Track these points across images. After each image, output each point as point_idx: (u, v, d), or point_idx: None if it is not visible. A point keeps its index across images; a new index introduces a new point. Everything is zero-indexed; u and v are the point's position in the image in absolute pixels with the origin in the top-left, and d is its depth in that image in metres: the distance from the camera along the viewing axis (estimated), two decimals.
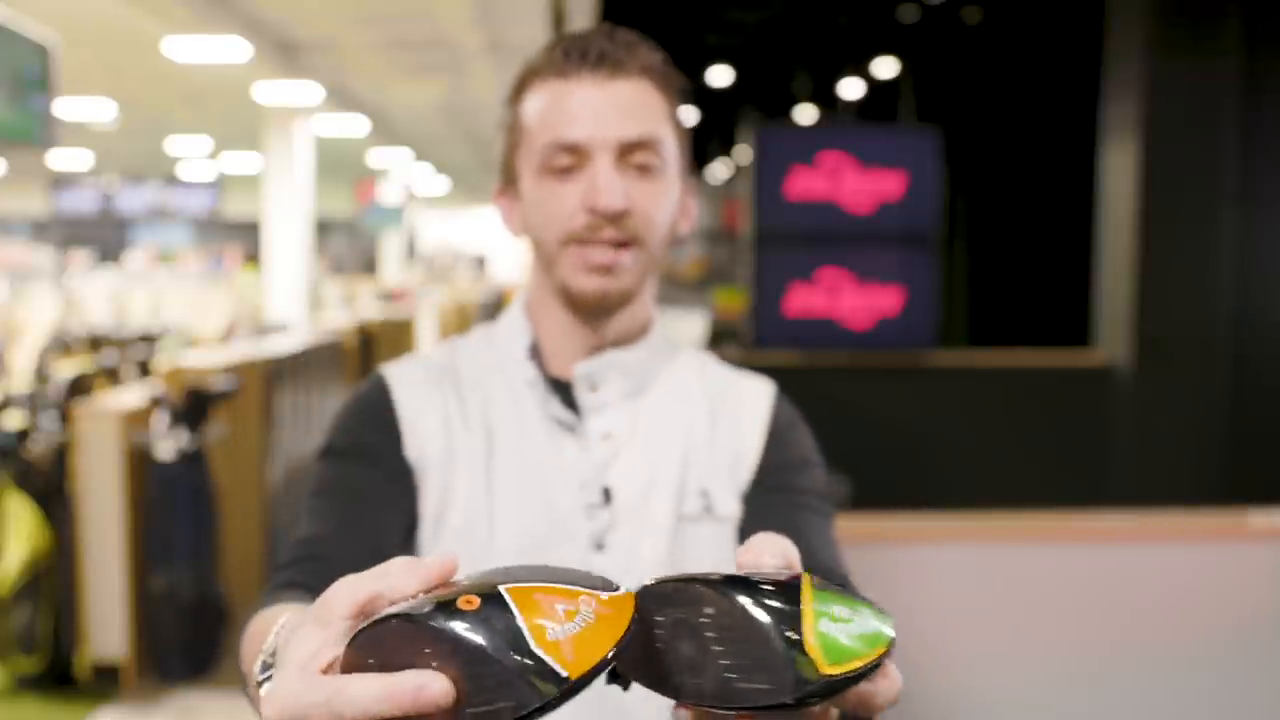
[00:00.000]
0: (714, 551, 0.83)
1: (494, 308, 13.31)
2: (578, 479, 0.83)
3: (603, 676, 0.42)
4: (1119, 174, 4.17)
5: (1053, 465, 4.25)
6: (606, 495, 0.83)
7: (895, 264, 4.25)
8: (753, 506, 0.85)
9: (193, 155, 14.32)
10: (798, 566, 0.47)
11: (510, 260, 22.32)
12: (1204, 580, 1.92)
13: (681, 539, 0.83)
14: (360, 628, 0.41)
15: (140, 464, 3.18)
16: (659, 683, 0.44)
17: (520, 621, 0.39)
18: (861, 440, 4.24)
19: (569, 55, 0.82)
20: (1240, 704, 1.90)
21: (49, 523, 3.11)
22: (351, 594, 0.42)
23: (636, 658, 0.44)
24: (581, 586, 0.42)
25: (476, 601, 0.39)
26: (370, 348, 5.71)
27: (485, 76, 8.14)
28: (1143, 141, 4.02)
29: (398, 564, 0.43)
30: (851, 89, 7.37)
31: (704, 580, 0.44)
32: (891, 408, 4.28)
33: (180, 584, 3.14)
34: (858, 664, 0.42)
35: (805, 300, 4.24)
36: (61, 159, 13.33)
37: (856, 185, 4.20)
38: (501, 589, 0.40)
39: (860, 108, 7.63)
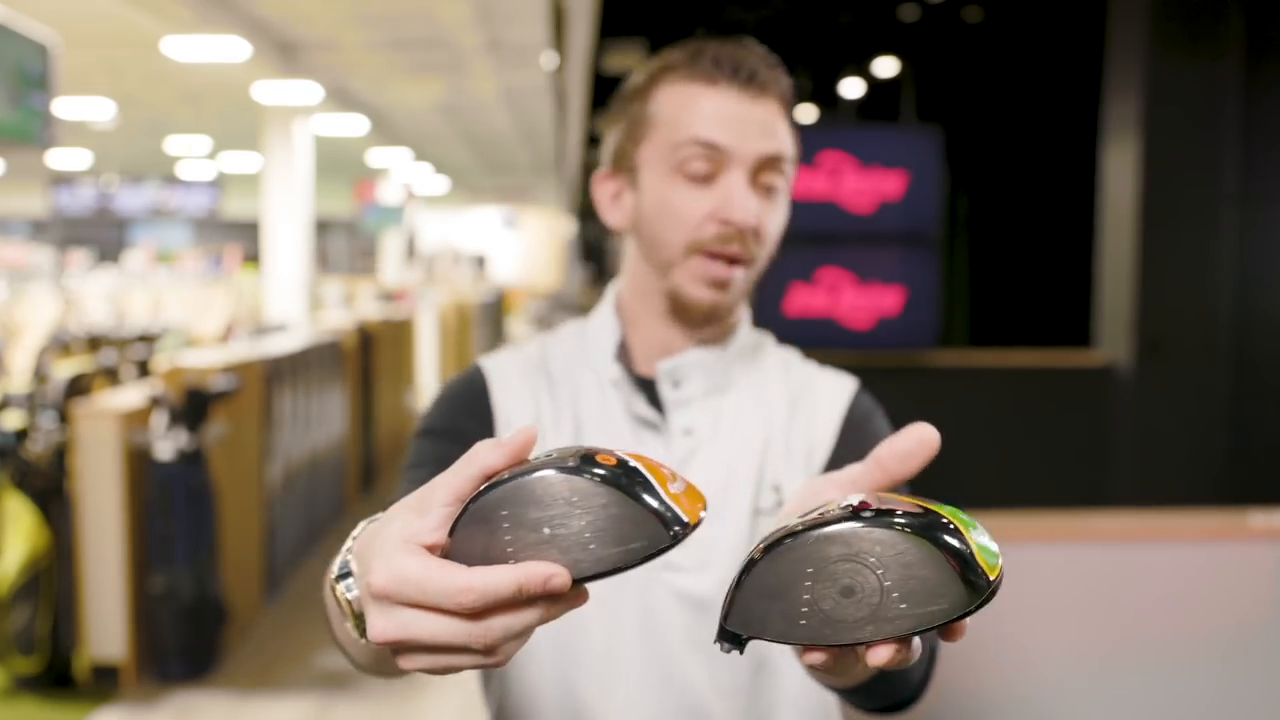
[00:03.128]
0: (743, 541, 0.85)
1: (495, 307, 13.30)
2: (677, 458, 0.84)
3: (716, 641, 0.46)
4: (1120, 173, 4.17)
5: (1053, 465, 4.25)
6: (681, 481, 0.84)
7: (896, 264, 4.25)
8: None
9: (192, 155, 14.32)
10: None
11: (510, 260, 22.32)
12: (1205, 580, 1.92)
13: (756, 532, 0.84)
14: (484, 489, 0.44)
15: (139, 464, 3.17)
16: (804, 635, 0.44)
17: (651, 477, 0.44)
18: None
19: (719, 65, 0.83)
20: (1241, 704, 1.90)
21: (48, 523, 3.11)
22: (450, 483, 0.44)
23: (767, 618, 0.44)
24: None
25: (614, 460, 0.44)
26: (370, 347, 5.71)
27: (485, 76, 8.13)
28: (1143, 141, 4.01)
29: (483, 446, 0.45)
30: (852, 88, 7.36)
31: (850, 516, 0.44)
32: (892, 408, 4.27)
33: (179, 584, 3.14)
34: (999, 569, 0.44)
35: (805, 300, 4.23)
36: (61, 158, 13.33)
37: (857, 185, 4.20)
38: (622, 453, 0.45)
39: (861, 107, 7.62)
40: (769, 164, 0.83)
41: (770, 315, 4.20)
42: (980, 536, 0.45)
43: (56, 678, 3.12)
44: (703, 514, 0.44)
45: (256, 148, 9.58)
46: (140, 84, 8.64)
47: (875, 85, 7.34)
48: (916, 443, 0.53)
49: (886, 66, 7.05)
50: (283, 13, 6.41)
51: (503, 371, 0.88)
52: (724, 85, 0.82)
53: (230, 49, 6.15)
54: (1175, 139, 4.02)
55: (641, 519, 0.42)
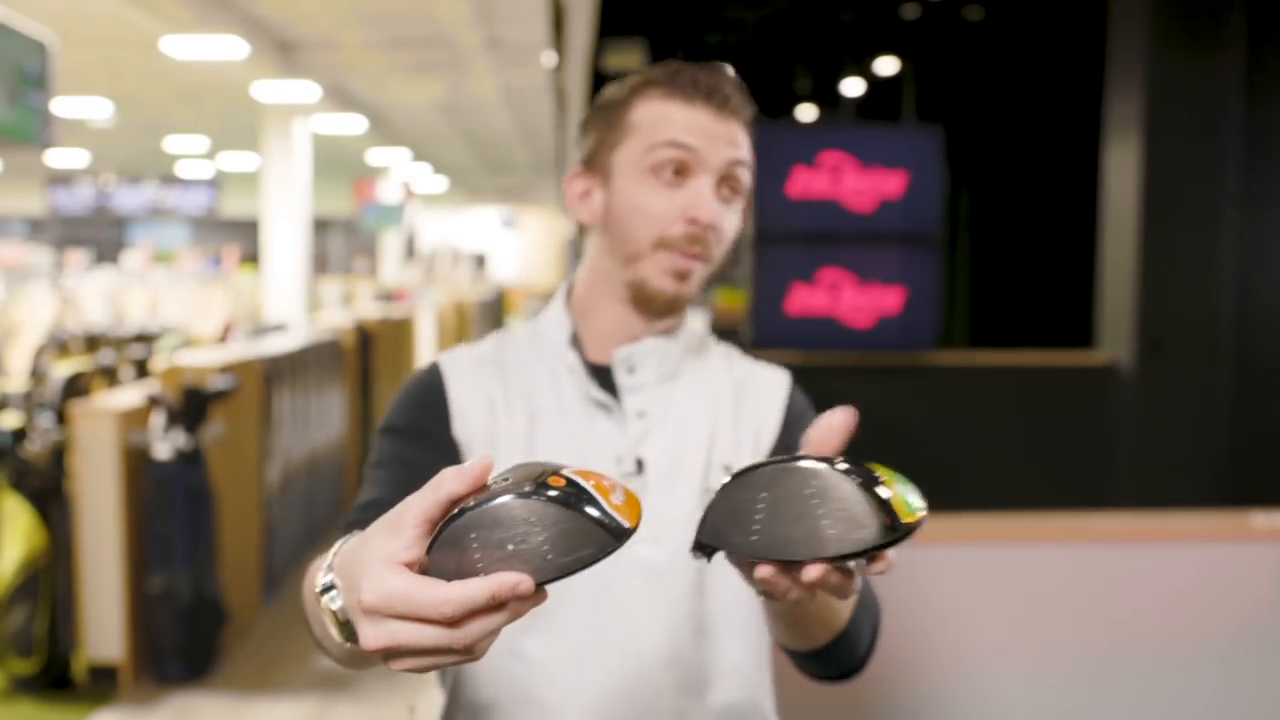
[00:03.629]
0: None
1: (494, 306, 13.28)
2: (613, 452, 0.91)
3: (691, 551, 0.59)
4: (1121, 173, 4.15)
5: (1055, 464, 4.24)
6: (640, 465, 0.91)
7: (896, 264, 4.24)
8: None
9: (190, 154, 14.30)
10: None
11: (509, 260, 22.31)
12: (1208, 581, 1.91)
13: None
14: (454, 515, 0.51)
15: (137, 464, 3.16)
16: (751, 549, 0.57)
17: (592, 490, 0.51)
18: (863, 439, 4.22)
19: (697, 86, 0.91)
20: (1243, 704, 1.89)
21: (45, 523, 3.10)
22: (419, 506, 0.52)
23: (726, 532, 0.58)
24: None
25: (563, 480, 0.51)
26: (369, 347, 5.69)
27: (484, 75, 8.12)
28: (1145, 140, 4.00)
29: (447, 474, 0.52)
30: (852, 87, 7.35)
31: (797, 458, 0.57)
32: (893, 407, 4.26)
33: (178, 585, 3.13)
34: (917, 519, 0.55)
35: (806, 299, 4.22)
36: (59, 158, 13.31)
37: (858, 184, 4.19)
38: (568, 472, 0.52)
39: (861, 106, 7.61)
40: (732, 174, 0.92)
41: (772, 314, 4.19)
42: (906, 490, 0.56)
43: (54, 679, 3.11)
44: (640, 520, 0.52)
45: (255, 147, 9.57)
46: (138, 83, 8.62)
47: (876, 84, 7.33)
48: (840, 423, 0.67)
49: (887, 65, 7.04)
50: (282, 12, 6.40)
51: (457, 366, 0.94)
52: (699, 104, 0.91)
53: (229, 48, 6.14)
54: (1177, 139, 4.01)
55: (590, 530, 0.50)
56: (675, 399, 0.94)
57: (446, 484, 0.51)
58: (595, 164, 0.94)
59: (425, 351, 9.24)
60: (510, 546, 0.50)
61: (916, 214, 4.22)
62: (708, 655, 0.89)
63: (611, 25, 6.16)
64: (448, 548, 0.50)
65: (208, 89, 8.93)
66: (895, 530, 0.54)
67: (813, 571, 0.56)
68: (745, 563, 0.60)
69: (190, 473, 3.16)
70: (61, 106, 6.79)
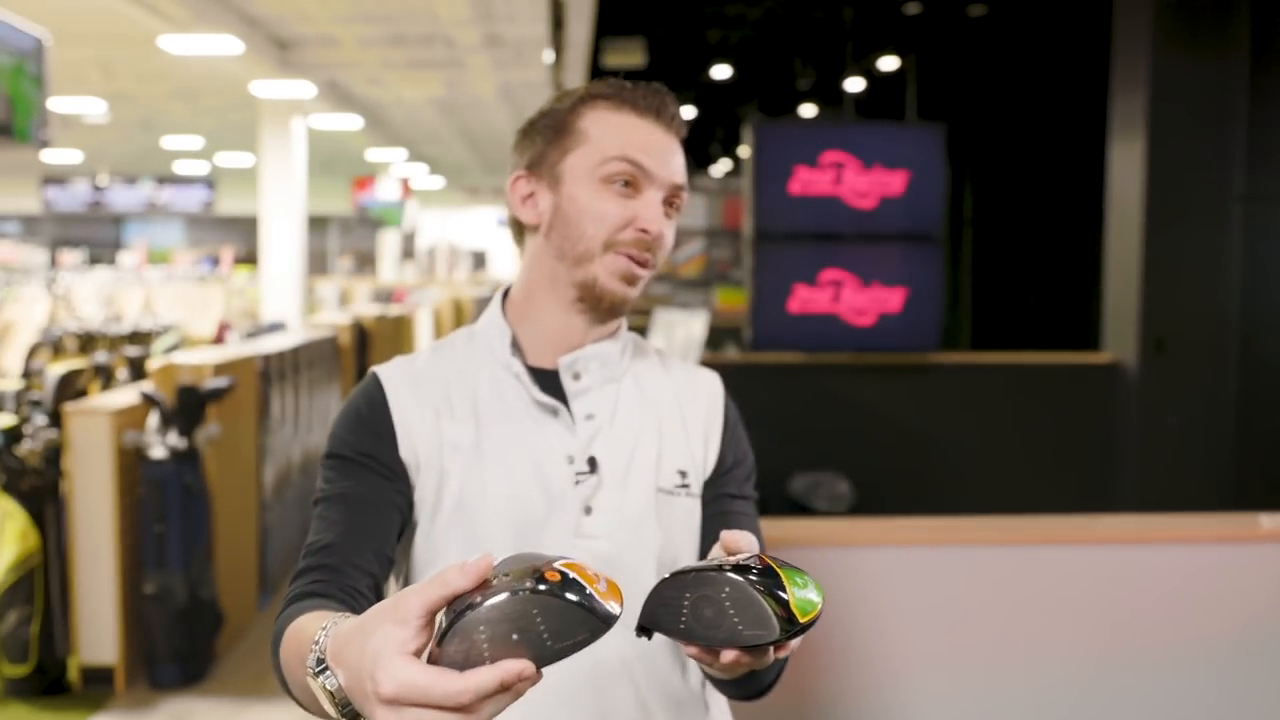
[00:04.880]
0: (686, 521, 0.98)
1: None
2: (564, 454, 0.94)
3: (633, 629, 0.71)
4: (1126, 171, 4.13)
5: (1058, 464, 4.21)
6: (592, 464, 0.95)
7: (899, 263, 4.21)
8: (712, 494, 1.01)
9: (187, 152, 14.25)
10: (755, 549, 0.72)
11: (509, 258, 22.26)
12: (1215, 582, 1.89)
13: (660, 508, 0.96)
14: (461, 610, 0.56)
15: (133, 464, 3.13)
16: (681, 635, 0.69)
17: (583, 581, 0.58)
18: (864, 439, 4.19)
19: (647, 102, 0.97)
20: (1250, 706, 1.87)
21: (39, 524, 3.06)
22: (422, 599, 0.57)
23: (661, 619, 0.70)
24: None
25: (557, 575, 0.58)
26: (366, 345, 5.66)
27: (484, 73, 8.08)
28: (1149, 139, 3.98)
29: (452, 571, 0.57)
30: (855, 84, 7.32)
31: (717, 568, 0.68)
32: (894, 407, 4.23)
33: (173, 587, 3.09)
34: (813, 615, 0.68)
35: (809, 298, 4.19)
36: (54, 156, 13.26)
37: (859, 183, 4.16)
38: (560, 565, 0.58)
39: (864, 103, 7.59)
40: (676, 195, 0.97)
41: (774, 313, 4.16)
42: (804, 591, 0.68)
43: (49, 683, 3.07)
44: (624, 602, 0.60)
45: (252, 145, 9.54)
46: (135, 81, 8.58)
47: (878, 81, 7.31)
48: (749, 544, 0.73)
49: (889, 62, 7.01)
50: (279, 9, 6.36)
51: (396, 381, 0.96)
52: (650, 119, 0.96)
53: (225, 46, 6.10)
54: (1181, 137, 3.98)
55: (584, 618, 0.57)
56: (621, 401, 0.98)
57: (452, 580, 0.57)
58: (542, 168, 0.97)
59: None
60: (515, 636, 0.56)
61: (919, 213, 4.19)
62: (658, 645, 0.94)
63: (611, 23, 6.13)
64: (458, 640, 0.56)
65: (204, 87, 8.89)
66: (793, 627, 0.67)
67: (728, 655, 0.69)
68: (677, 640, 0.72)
69: (186, 473, 3.13)
70: (56, 104, 6.75)
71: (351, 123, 9.45)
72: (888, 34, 6.80)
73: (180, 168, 15.39)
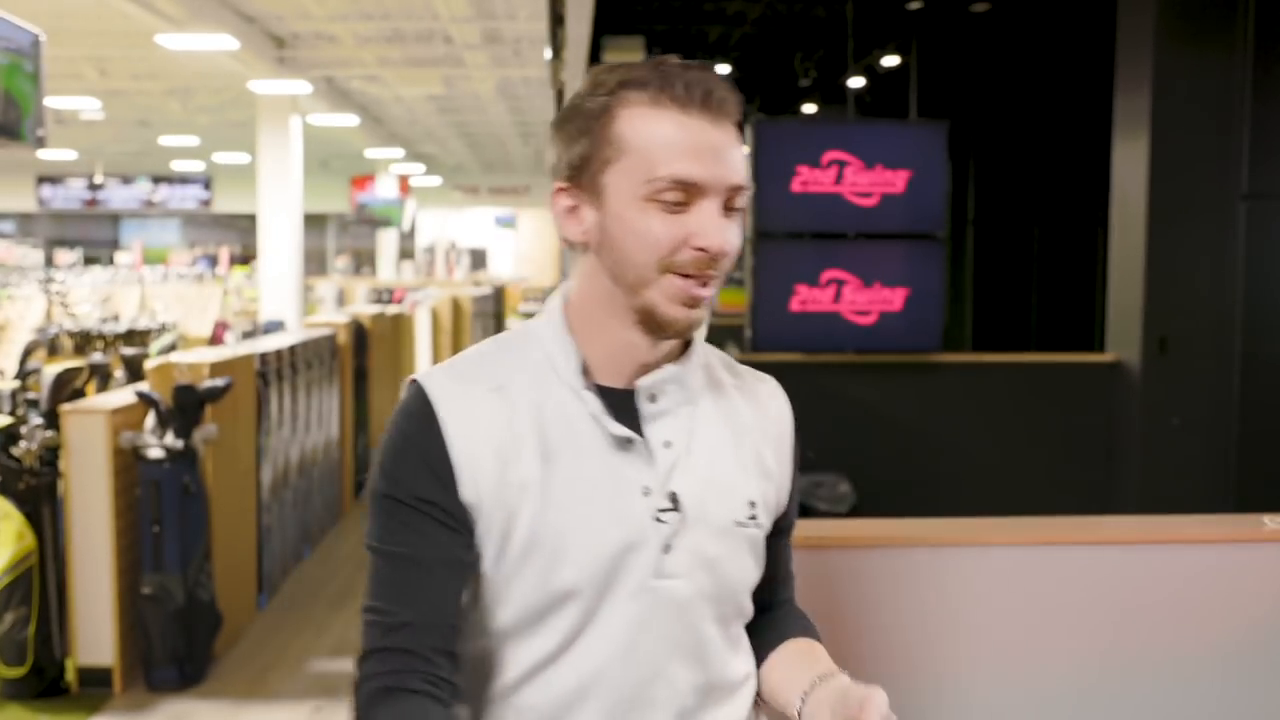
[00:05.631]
0: (753, 554, 0.92)
1: (493, 302, 13.23)
2: (641, 486, 0.87)
3: None
4: (1129, 169, 4.11)
5: (1061, 464, 4.20)
6: (674, 500, 0.87)
7: (901, 262, 4.19)
8: (773, 527, 0.95)
9: (183, 151, 14.21)
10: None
11: (508, 258, 22.24)
12: (1218, 584, 1.88)
13: (733, 542, 0.90)
14: None
15: (130, 465, 3.10)
16: None
17: None
18: (865, 439, 4.17)
19: (690, 91, 0.84)
20: (1255, 708, 1.85)
21: (36, 525, 3.04)
22: None
23: None
24: None
25: None
26: (365, 344, 5.63)
27: (482, 71, 8.06)
28: (1153, 137, 3.96)
29: None
30: (857, 82, 7.30)
31: None
32: (897, 406, 4.22)
33: (170, 588, 3.07)
34: None
35: (810, 297, 4.17)
36: (49, 154, 13.21)
37: (861, 181, 4.14)
38: None
39: (865, 101, 7.57)
40: (737, 190, 0.86)
41: (776, 312, 4.14)
42: None
43: (46, 684, 3.05)
44: None
45: (249, 143, 9.50)
46: (131, 79, 8.55)
47: (880, 79, 7.29)
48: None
49: (891, 60, 6.99)
50: (276, 7, 6.33)
51: (454, 412, 0.86)
52: (695, 113, 0.84)
53: (222, 43, 6.07)
54: (1185, 136, 3.97)
55: None
56: (698, 425, 0.90)
57: None
58: (583, 180, 0.87)
59: (422, 350, 9.17)
60: None
61: (921, 211, 4.18)
62: (716, 670, 0.91)
63: (611, 20, 6.11)
64: None
65: (200, 84, 8.86)
66: None
67: None
68: None
69: (183, 473, 3.10)
70: (52, 102, 6.71)
71: (349, 121, 9.42)
72: (889, 31, 6.78)
73: (177, 166, 15.36)
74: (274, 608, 3.87)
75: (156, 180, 14.78)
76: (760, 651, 0.96)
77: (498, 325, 14.56)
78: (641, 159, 0.84)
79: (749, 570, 0.92)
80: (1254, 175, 3.96)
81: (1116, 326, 4.21)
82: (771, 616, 0.99)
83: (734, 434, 0.92)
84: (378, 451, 0.88)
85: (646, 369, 0.89)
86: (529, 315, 14.94)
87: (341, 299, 11.43)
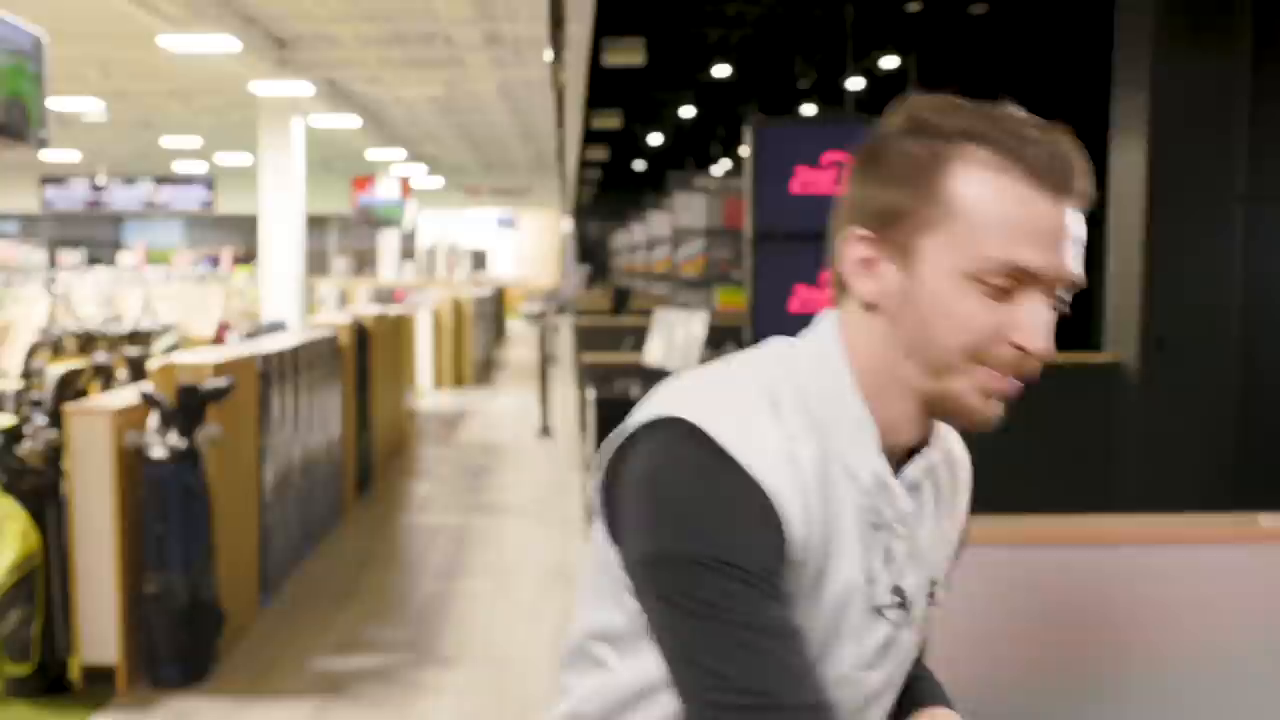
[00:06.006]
0: (923, 634, 0.87)
1: (494, 303, 13.24)
2: (877, 573, 0.79)
3: None
4: (1127, 171, 4.12)
5: (1059, 464, 4.21)
6: (900, 596, 0.80)
7: None
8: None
9: (185, 152, 14.23)
10: None
11: (508, 258, 22.25)
12: (1215, 583, 1.88)
13: (918, 626, 0.85)
14: None
15: (133, 464, 3.12)
16: None
17: None
18: None
19: (1049, 167, 0.72)
20: (1250, 709, 1.87)
21: (40, 524, 3.06)
22: None
23: None
24: None
25: None
26: (366, 345, 5.65)
27: (483, 72, 8.07)
28: (1151, 139, 3.97)
29: None
30: (856, 83, 7.32)
31: None
32: None
33: (174, 587, 3.09)
34: None
35: (808, 299, 4.19)
36: (52, 155, 13.24)
37: None
38: None
39: (864, 102, 7.58)
40: (1071, 285, 0.75)
41: (775, 313, 4.16)
42: None
43: (50, 682, 3.07)
44: None
45: (251, 144, 9.53)
46: (133, 80, 8.57)
47: (879, 80, 7.31)
48: None
49: (890, 61, 7.01)
50: (278, 8, 6.35)
51: (783, 485, 0.73)
52: (1048, 190, 0.72)
53: (224, 44, 6.09)
54: (1183, 138, 3.98)
55: None
56: (925, 511, 0.82)
57: None
58: (891, 234, 0.75)
59: (423, 350, 9.19)
60: None
61: None
62: None
63: (611, 22, 6.13)
64: None
65: (202, 86, 8.88)
66: None
67: None
68: None
69: (186, 473, 3.12)
70: (55, 103, 6.73)
71: (351, 122, 9.44)
72: (888, 32, 6.80)
73: (179, 167, 15.38)
74: (277, 606, 3.89)
75: (159, 181, 14.79)
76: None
77: (498, 325, 14.58)
78: (974, 231, 0.72)
79: (917, 650, 0.86)
80: (1252, 177, 3.97)
81: (1115, 327, 4.23)
82: (906, 685, 0.91)
83: (938, 510, 0.84)
84: (660, 508, 0.72)
85: (900, 447, 0.79)
86: (530, 315, 14.97)
87: (343, 300, 11.45)
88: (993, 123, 0.74)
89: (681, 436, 0.73)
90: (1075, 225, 0.74)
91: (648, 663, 0.77)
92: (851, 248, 0.78)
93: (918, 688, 0.92)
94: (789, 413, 0.75)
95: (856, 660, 0.79)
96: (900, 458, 0.80)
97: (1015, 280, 0.73)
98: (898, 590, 0.79)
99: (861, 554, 0.77)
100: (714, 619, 0.70)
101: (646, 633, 0.76)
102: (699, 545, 0.70)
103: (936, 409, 0.77)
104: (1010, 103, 0.77)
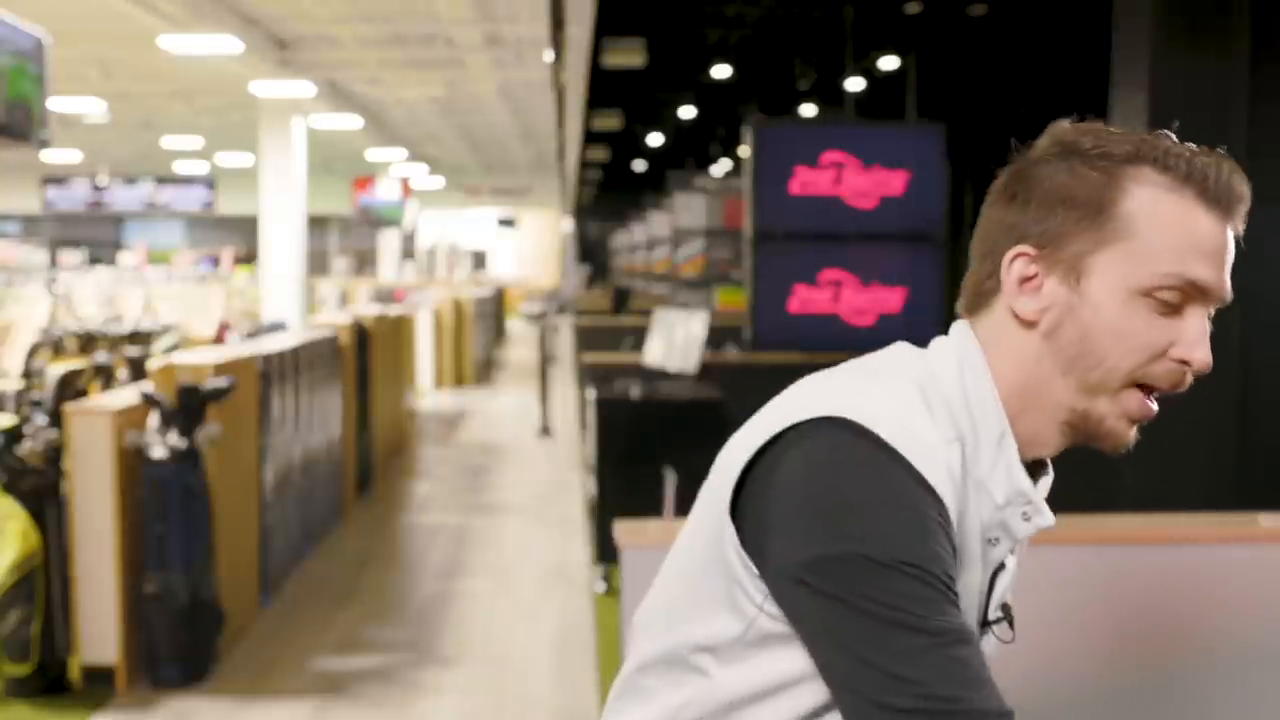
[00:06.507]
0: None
1: (494, 303, 13.25)
2: (987, 588, 0.80)
3: None
4: None
5: (1058, 463, 4.21)
6: (1007, 613, 0.82)
7: (899, 263, 4.22)
8: None
9: (186, 152, 14.24)
10: None
11: (508, 259, 22.25)
12: (1215, 582, 1.89)
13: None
14: None
15: (133, 464, 3.13)
16: None
17: None
18: None
19: (1220, 190, 0.76)
20: (1252, 706, 1.87)
21: (40, 524, 3.06)
22: None
23: None
24: None
25: None
26: (367, 345, 5.66)
27: (484, 73, 8.08)
28: None
29: None
30: (855, 84, 7.32)
31: None
32: None
33: (174, 587, 3.09)
34: None
35: (809, 298, 4.20)
36: (54, 155, 13.26)
37: (859, 183, 4.16)
38: None
39: (864, 103, 7.59)
40: (1221, 304, 0.78)
41: (774, 313, 4.16)
42: None
43: (50, 682, 3.07)
44: None
45: (252, 144, 9.54)
46: (134, 80, 8.58)
47: (878, 81, 7.31)
48: None
49: (889, 62, 7.02)
50: (279, 9, 6.36)
51: (937, 476, 0.73)
52: (1218, 213, 0.76)
53: (225, 45, 6.10)
54: (1182, 138, 3.97)
55: None
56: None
57: None
58: (1058, 253, 0.76)
59: (424, 350, 9.19)
60: None
61: (919, 213, 4.20)
62: None
63: (611, 23, 6.13)
64: None
65: (203, 86, 8.89)
66: None
67: None
68: None
69: (186, 473, 3.13)
70: (56, 104, 6.74)
71: (351, 122, 9.45)
72: (888, 33, 6.80)
73: (180, 168, 15.39)
74: (277, 606, 3.89)
75: (160, 182, 14.80)
76: None
77: (498, 325, 14.59)
78: (1149, 248, 0.75)
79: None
80: (1251, 177, 3.96)
81: None
82: None
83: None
84: (839, 506, 0.71)
85: (1028, 463, 0.80)
86: (530, 315, 14.95)
87: (343, 300, 11.46)
88: (1159, 146, 0.77)
89: (846, 435, 0.72)
90: (1232, 249, 0.78)
91: (754, 672, 0.76)
92: (1015, 266, 0.78)
93: None
94: (939, 417, 0.76)
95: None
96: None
97: (1185, 296, 0.75)
98: (1004, 607, 0.81)
99: (981, 569, 0.78)
100: (897, 623, 0.69)
101: (759, 642, 0.76)
102: (880, 546, 0.70)
103: (1078, 428, 0.79)
104: (1167, 132, 0.80)
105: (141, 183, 14.77)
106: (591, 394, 4.95)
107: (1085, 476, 4.37)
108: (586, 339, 7.22)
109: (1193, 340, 0.76)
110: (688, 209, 8.10)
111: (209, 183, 15.20)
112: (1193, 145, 0.78)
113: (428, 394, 9.22)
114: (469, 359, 10.47)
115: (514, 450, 7.09)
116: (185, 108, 10.15)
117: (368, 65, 7.76)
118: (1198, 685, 1.86)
